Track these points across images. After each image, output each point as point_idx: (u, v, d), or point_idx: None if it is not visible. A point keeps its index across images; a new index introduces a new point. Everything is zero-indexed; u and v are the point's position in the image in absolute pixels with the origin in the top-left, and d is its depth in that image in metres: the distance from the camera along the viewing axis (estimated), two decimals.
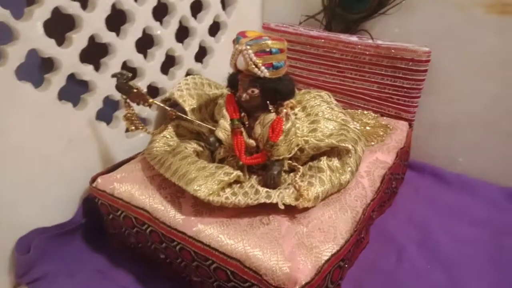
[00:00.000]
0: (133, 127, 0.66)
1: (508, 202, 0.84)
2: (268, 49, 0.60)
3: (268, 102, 0.64)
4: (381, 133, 0.82)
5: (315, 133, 0.68)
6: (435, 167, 0.95)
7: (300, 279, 0.49)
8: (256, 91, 0.62)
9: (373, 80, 0.90)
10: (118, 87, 0.61)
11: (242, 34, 0.63)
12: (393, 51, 0.84)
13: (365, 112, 0.91)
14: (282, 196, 0.58)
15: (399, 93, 0.88)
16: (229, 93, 0.68)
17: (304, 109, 0.74)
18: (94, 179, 0.69)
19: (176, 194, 0.64)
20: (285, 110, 0.64)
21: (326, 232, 0.56)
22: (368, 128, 0.84)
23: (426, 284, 0.66)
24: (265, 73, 0.61)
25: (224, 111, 0.67)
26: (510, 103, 0.84)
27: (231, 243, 0.55)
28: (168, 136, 0.74)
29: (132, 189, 0.65)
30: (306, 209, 0.59)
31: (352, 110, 0.91)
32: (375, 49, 0.86)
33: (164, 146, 0.72)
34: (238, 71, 0.64)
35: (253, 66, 0.60)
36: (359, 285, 0.66)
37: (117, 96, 0.73)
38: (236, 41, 0.63)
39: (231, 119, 0.66)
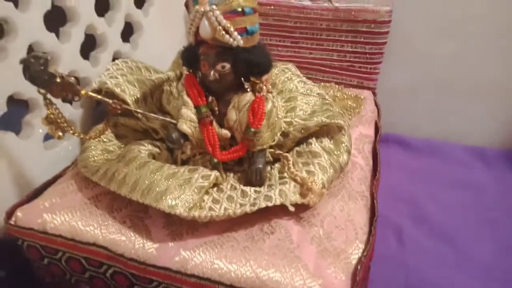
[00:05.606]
0: (60, 133, 0.46)
1: (477, 161, 0.84)
2: (240, 9, 0.46)
3: (242, 79, 0.50)
4: (354, 105, 0.74)
5: (294, 112, 0.57)
6: (400, 135, 0.91)
7: None
8: (227, 66, 0.48)
9: (332, 48, 0.81)
10: (33, 78, 0.42)
11: None
12: (353, 13, 0.76)
13: (327, 84, 0.82)
14: (285, 194, 0.46)
15: (361, 60, 0.81)
16: (187, 73, 0.52)
17: (275, 86, 0.62)
18: (10, 214, 0.48)
19: (137, 215, 0.48)
20: (265, 88, 0.51)
21: (345, 229, 0.46)
22: (337, 101, 0.75)
23: (434, 260, 0.61)
24: (239, 41, 0.47)
25: (186, 97, 0.51)
26: (468, 61, 0.83)
27: (234, 268, 0.41)
28: (105, 139, 0.57)
29: (72, 219, 0.47)
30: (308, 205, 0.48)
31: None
32: (333, 13, 0.77)
33: (103, 154, 0.55)
34: (198, 42, 0.49)
35: (223, 32, 0.46)
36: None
37: (26, 93, 0.52)
38: (193, 0, 0.47)
39: (196, 107, 0.51)
